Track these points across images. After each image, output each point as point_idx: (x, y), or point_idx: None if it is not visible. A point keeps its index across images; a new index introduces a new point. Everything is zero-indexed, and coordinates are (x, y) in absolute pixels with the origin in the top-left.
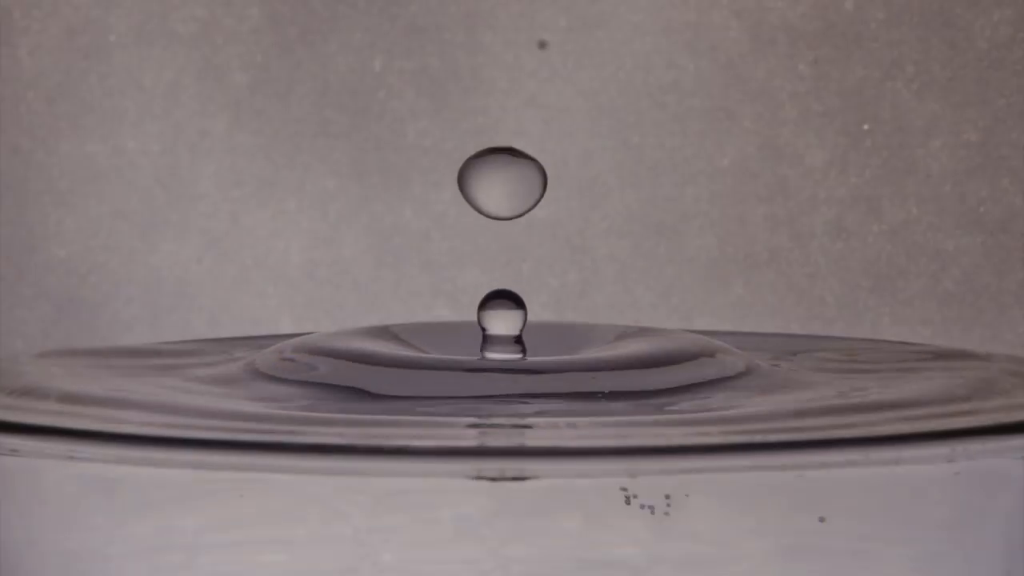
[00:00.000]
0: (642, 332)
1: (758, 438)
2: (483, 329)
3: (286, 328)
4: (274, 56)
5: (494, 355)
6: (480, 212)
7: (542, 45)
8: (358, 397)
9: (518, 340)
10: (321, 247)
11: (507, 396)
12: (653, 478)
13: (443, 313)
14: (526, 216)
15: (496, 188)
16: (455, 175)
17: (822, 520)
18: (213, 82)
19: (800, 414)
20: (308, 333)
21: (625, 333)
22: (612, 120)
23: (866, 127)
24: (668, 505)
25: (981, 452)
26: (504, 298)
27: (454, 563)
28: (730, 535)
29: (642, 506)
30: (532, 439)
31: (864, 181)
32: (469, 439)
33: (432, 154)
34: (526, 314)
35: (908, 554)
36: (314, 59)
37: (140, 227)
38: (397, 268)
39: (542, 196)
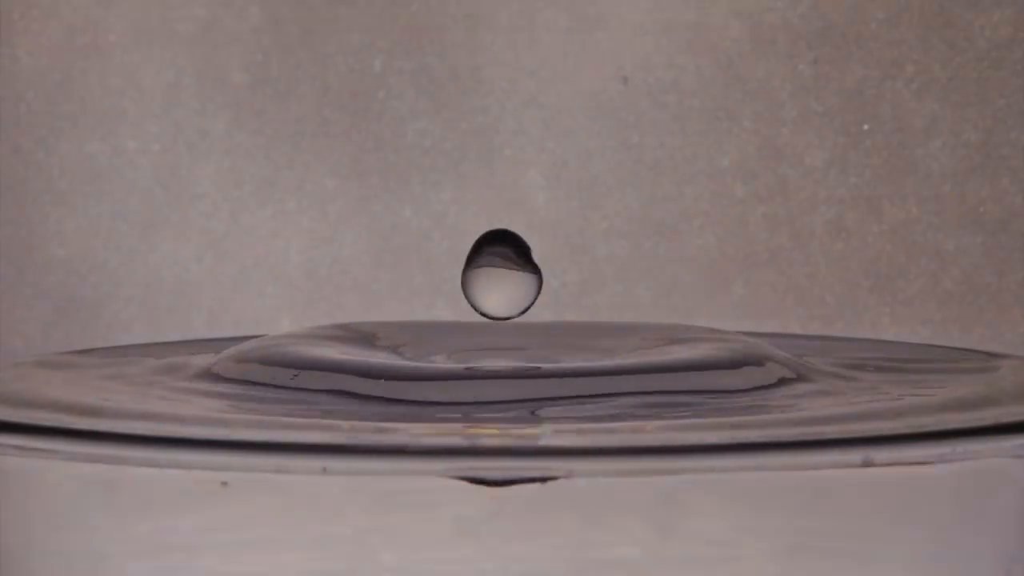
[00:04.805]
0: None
1: (758, 438)
2: (475, 308)
3: (286, 328)
4: (274, 56)
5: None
6: (481, 313)
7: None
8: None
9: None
10: (321, 247)
11: (517, 400)
12: (654, 477)
13: (443, 313)
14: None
15: (494, 295)
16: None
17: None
18: (213, 82)
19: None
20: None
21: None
22: (612, 120)
23: (866, 127)
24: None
25: (981, 452)
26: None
27: (454, 563)
28: (730, 535)
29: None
30: (531, 439)
31: (864, 181)
32: (466, 439)
33: (432, 154)
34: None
35: (908, 554)
36: (314, 59)
37: (140, 227)
38: (397, 268)
39: (536, 298)
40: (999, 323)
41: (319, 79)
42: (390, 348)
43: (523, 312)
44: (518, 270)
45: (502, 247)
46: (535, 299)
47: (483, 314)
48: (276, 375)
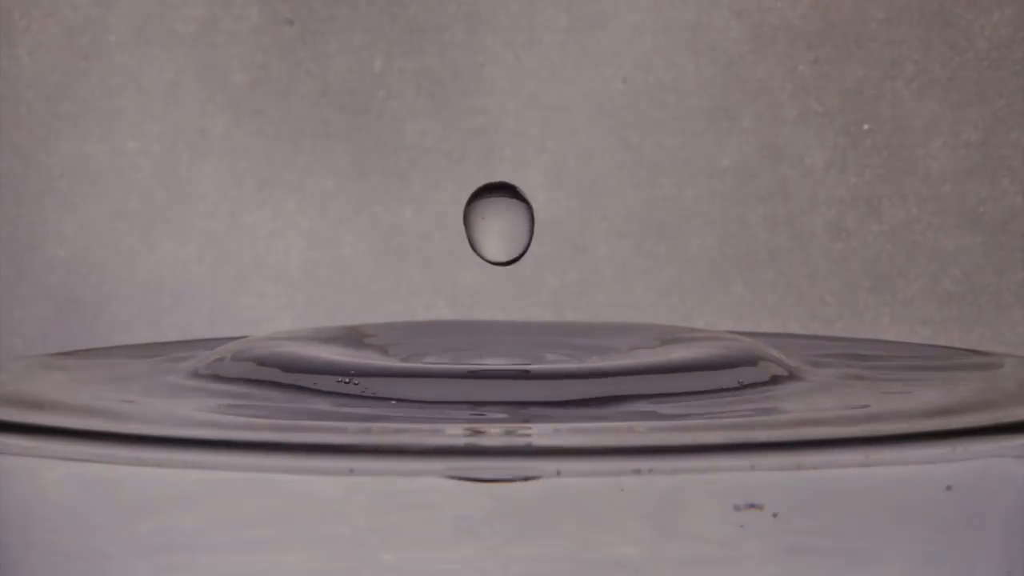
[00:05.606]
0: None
1: (758, 438)
2: (475, 249)
3: (286, 328)
4: (274, 56)
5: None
6: (483, 258)
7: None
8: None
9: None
10: (321, 247)
11: (511, 402)
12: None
13: (443, 313)
14: None
15: (492, 235)
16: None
17: (775, 516)
18: (213, 82)
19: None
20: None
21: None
22: (612, 120)
23: (866, 127)
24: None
25: (981, 452)
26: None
27: (454, 563)
28: (730, 535)
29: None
30: (532, 439)
31: (864, 181)
32: (466, 439)
33: (432, 154)
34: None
35: (908, 555)
36: (314, 59)
37: (140, 227)
38: (397, 268)
39: (531, 238)
40: (999, 323)
41: (319, 79)
42: (390, 348)
43: (522, 254)
44: (512, 199)
45: (496, 191)
46: (531, 235)
47: (485, 257)
48: (273, 375)
